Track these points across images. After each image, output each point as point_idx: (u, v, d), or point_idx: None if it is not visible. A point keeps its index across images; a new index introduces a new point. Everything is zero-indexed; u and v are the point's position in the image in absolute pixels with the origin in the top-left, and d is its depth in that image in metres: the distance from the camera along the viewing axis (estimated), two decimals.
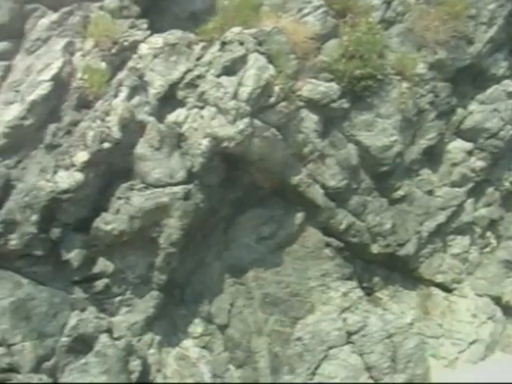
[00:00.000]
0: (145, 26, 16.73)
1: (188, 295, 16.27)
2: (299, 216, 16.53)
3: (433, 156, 18.31)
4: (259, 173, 16.35)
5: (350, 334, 16.46)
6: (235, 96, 15.52)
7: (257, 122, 15.60)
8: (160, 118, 15.87)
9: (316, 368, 16.21)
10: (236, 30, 16.12)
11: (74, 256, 15.41)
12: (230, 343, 16.10)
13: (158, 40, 16.37)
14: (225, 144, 15.42)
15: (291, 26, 16.70)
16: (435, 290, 18.36)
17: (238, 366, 16.05)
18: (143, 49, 16.31)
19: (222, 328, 16.18)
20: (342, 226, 16.81)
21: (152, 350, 15.84)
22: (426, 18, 18.01)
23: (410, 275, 18.03)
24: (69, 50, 16.52)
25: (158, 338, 15.92)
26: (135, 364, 15.43)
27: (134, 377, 15.36)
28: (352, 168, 16.78)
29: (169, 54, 16.23)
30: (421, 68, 17.84)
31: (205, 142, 15.42)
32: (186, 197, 15.47)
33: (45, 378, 14.90)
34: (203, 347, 16.09)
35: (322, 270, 16.59)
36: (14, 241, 15.17)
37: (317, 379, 16.16)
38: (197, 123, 15.61)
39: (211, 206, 15.99)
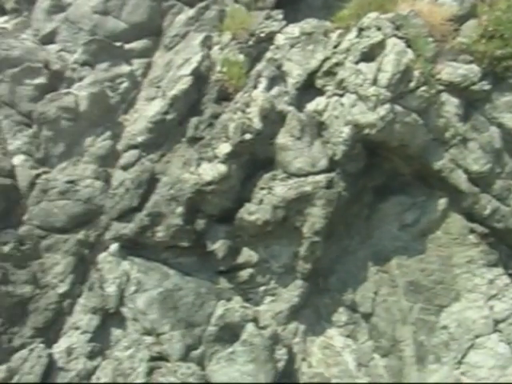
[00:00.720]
0: (280, 16, 16.93)
1: (332, 284, 16.18)
2: (442, 202, 16.12)
3: None
4: (400, 159, 16.08)
5: (497, 322, 15.91)
6: (375, 82, 15.33)
7: (397, 108, 15.34)
8: (299, 107, 15.95)
9: (462, 357, 15.76)
10: (372, 15, 15.94)
11: (218, 247, 15.73)
12: (375, 332, 15.91)
13: (294, 30, 16.51)
14: (366, 131, 15.26)
15: (427, 9, 16.36)
16: None
17: (382, 354, 15.81)
18: (280, 39, 16.49)
19: (367, 317, 16.00)
20: (487, 212, 16.22)
21: (297, 339, 15.90)
22: None
23: None
24: (207, 44, 16.93)
25: (302, 326, 15.97)
26: (281, 353, 15.55)
27: (280, 365, 15.47)
28: (495, 151, 16.19)
29: (306, 43, 16.33)
30: None
31: (346, 130, 15.32)
32: (329, 185, 15.44)
33: (193, 366, 15.30)
34: (348, 336, 15.97)
35: (466, 257, 16.10)
36: (160, 233, 15.69)
37: (463, 368, 15.71)
38: (337, 111, 15.53)
39: (353, 193, 15.86)
